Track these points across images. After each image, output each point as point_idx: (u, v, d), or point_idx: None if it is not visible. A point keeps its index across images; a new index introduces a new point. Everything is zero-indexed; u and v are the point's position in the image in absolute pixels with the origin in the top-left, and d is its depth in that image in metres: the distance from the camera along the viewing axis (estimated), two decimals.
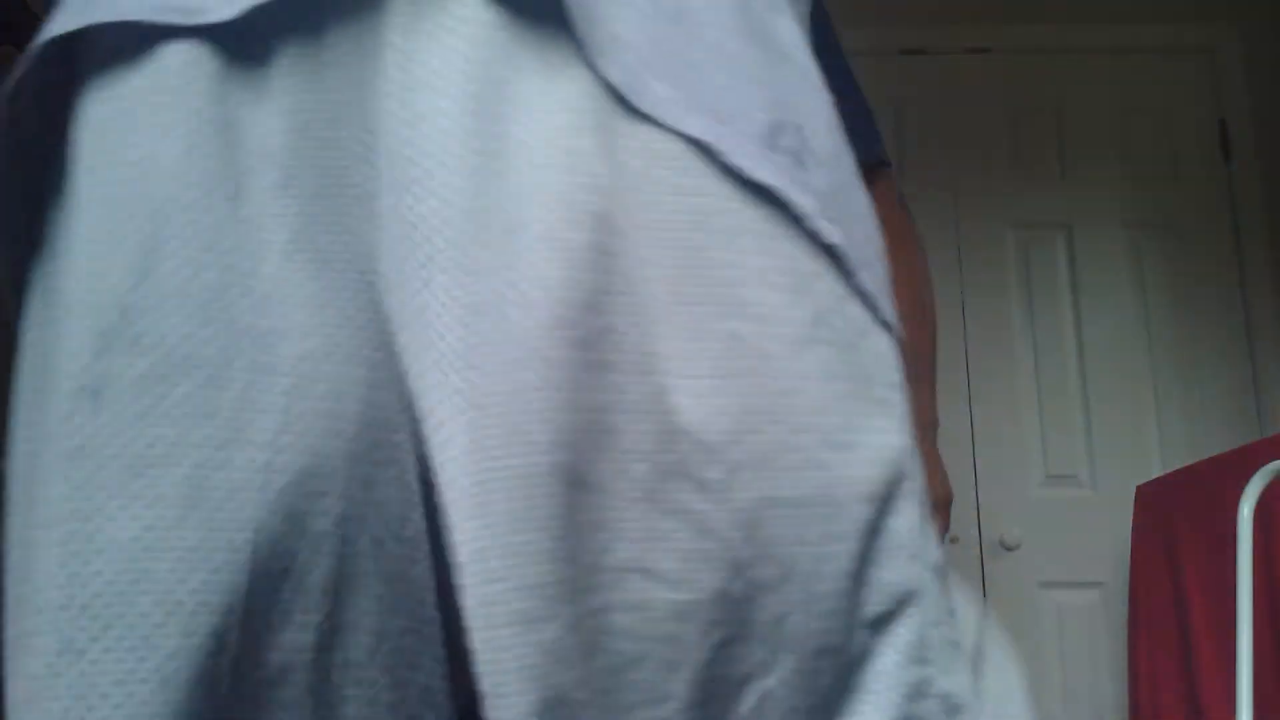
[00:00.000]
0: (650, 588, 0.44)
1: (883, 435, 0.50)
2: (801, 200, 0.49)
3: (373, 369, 0.47)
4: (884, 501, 0.49)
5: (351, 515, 0.46)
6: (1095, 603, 2.66)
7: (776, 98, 0.51)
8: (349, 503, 0.46)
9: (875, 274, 0.53)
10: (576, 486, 0.43)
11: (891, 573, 0.49)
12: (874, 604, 0.48)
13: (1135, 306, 2.83)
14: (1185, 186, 2.90)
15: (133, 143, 0.46)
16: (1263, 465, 1.67)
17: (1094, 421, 2.76)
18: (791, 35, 0.56)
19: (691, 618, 0.44)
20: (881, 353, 0.52)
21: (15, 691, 0.42)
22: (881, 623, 0.49)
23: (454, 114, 0.46)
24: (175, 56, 0.47)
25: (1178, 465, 2.36)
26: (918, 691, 0.48)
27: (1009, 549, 2.68)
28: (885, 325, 0.52)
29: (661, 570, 0.44)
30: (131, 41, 0.48)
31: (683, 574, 0.44)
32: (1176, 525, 2.07)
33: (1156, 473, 2.54)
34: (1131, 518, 2.30)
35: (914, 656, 0.49)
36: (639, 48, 0.48)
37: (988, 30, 3.00)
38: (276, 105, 0.48)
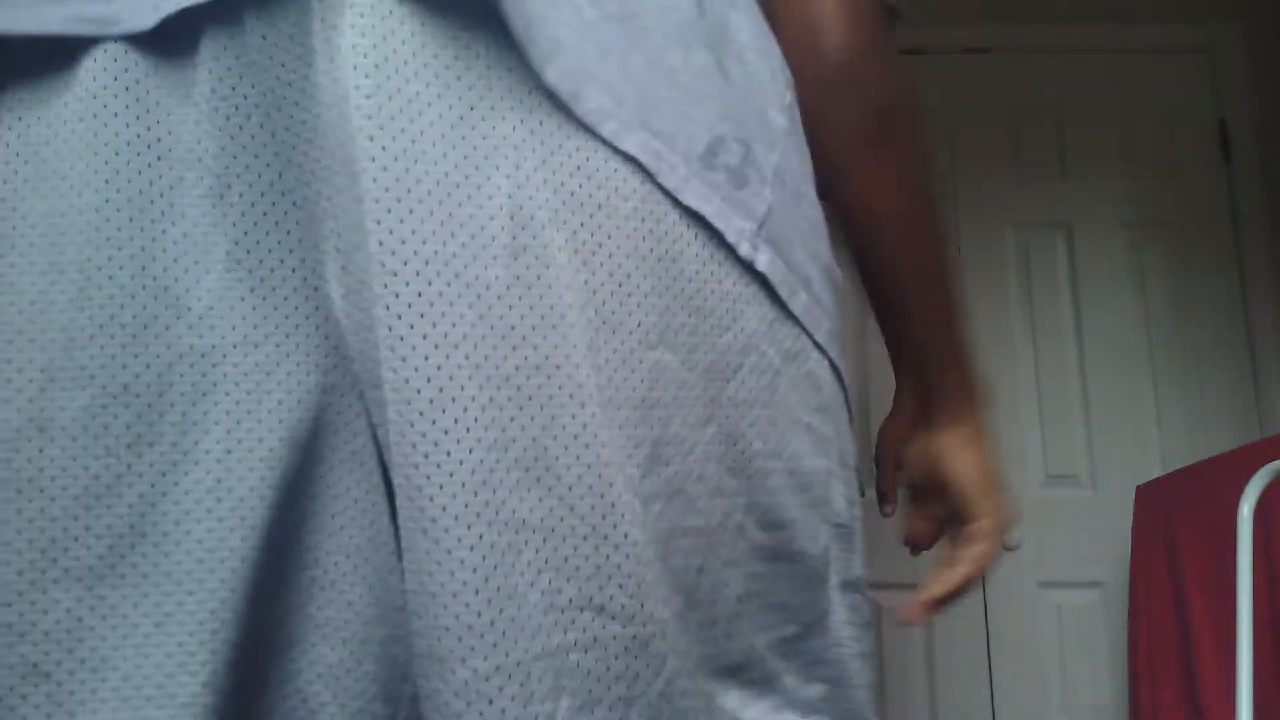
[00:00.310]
0: (603, 623, 0.43)
1: (797, 461, 0.50)
2: (733, 225, 0.48)
3: (327, 374, 0.46)
4: (794, 527, 0.49)
5: (319, 522, 0.46)
6: (1095, 603, 2.66)
7: (722, 110, 0.50)
8: (315, 510, 0.46)
9: (815, 293, 0.52)
10: (515, 526, 0.42)
11: (797, 597, 0.50)
12: (778, 628, 0.49)
13: (1135, 306, 2.83)
14: (1185, 186, 2.90)
15: (58, 166, 0.45)
16: (1263, 465, 1.66)
17: (1094, 421, 2.76)
18: (748, 31, 0.54)
19: (643, 652, 0.43)
20: (810, 376, 0.51)
21: None
22: (787, 644, 0.50)
23: (371, 127, 0.43)
24: (93, 69, 0.46)
25: (1178, 465, 2.36)
26: (812, 709, 0.50)
27: (1009, 549, 2.68)
28: (819, 348, 0.52)
29: (613, 606, 0.43)
30: (47, 51, 0.46)
31: (632, 608, 0.43)
32: (1176, 525, 2.07)
33: (1156, 473, 2.54)
34: (1131, 518, 2.30)
35: (812, 676, 0.50)
36: (580, 54, 0.46)
37: (988, 30, 2.99)
38: (204, 109, 0.46)
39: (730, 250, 0.49)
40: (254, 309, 0.46)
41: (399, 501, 0.43)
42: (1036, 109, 2.96)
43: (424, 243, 0.43)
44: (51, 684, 0.43)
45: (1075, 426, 2.77)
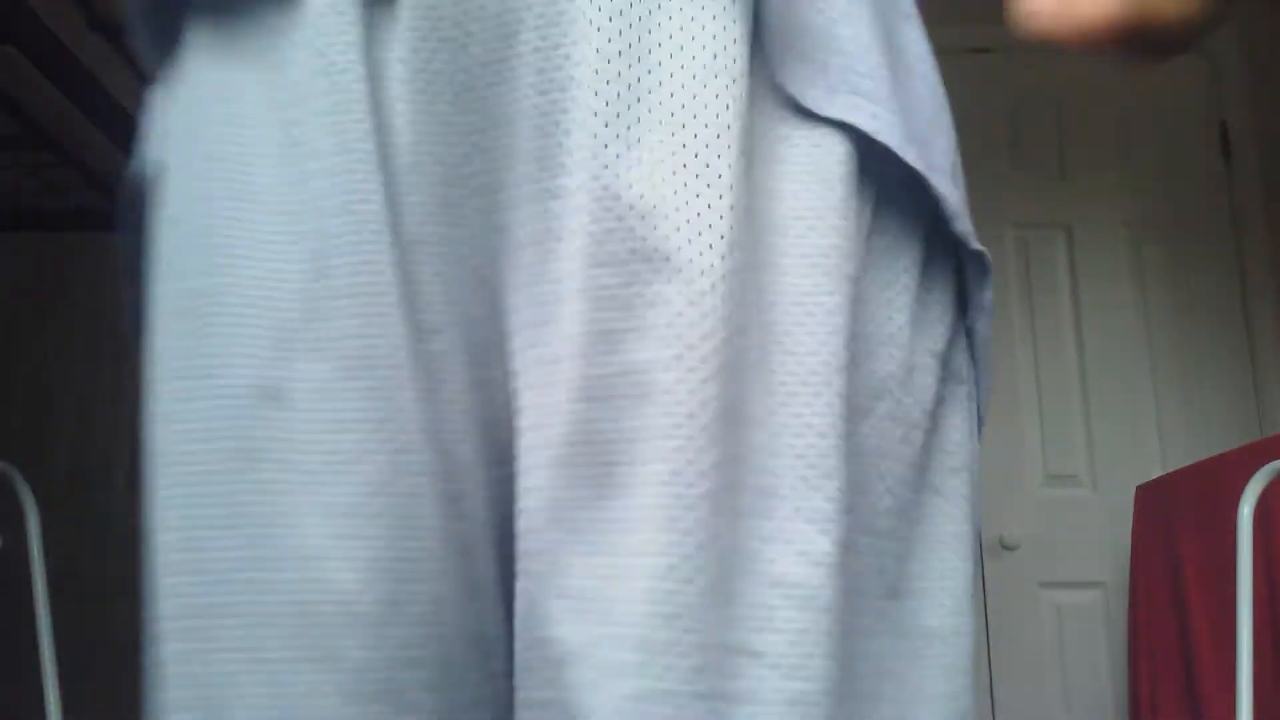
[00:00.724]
0: (757, 669, 0.40)
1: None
2: (953, 193, 0.46)
3: (485, 368, 0.44)
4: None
5: (494, 518, 0.44)
6: (1095, 603, 2.66)
7: (903, 107, 0.48)
8: (491, 505, 0.44)
9: (986, 308, 0.50)
10: (717, 562, 0.39)
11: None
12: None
13: (1135, 306, 2.83)
14: (1185, 186, 2.90)
15: (295, 132, 0.43)
16: (1263, 465, 1.66)
17: (1094, 421, 2.76)
18: (919, 45, 0.53)
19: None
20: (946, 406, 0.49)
21: (187, 699, 0.40)
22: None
23: (595, 125, 0.42)
24: (321, 10, 0.43)
25: (1178, 465, 2.37)
26: None
27: (1009, 549, 2.68)
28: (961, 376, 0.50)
29: (774, 655, 0.40)
30: None
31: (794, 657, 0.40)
32: (1176, 525, 2.07)
33: (1156, 473, 2.54)
34: (1131, 518, 2.30)
35: None
36: (774, 21, 0.44)
37: (988, 30, 2.99)
38: (403, 71, 0.44)
39: (946, 228, 0.46)
40: (438, 293, 0.43)
41: (527, 516, 0.42)
42: (1036, 109, 2.96)
43: (633, 235, 0.41)
44: (271, 671, 0.40)
45: (1075, 426, 2.77)
